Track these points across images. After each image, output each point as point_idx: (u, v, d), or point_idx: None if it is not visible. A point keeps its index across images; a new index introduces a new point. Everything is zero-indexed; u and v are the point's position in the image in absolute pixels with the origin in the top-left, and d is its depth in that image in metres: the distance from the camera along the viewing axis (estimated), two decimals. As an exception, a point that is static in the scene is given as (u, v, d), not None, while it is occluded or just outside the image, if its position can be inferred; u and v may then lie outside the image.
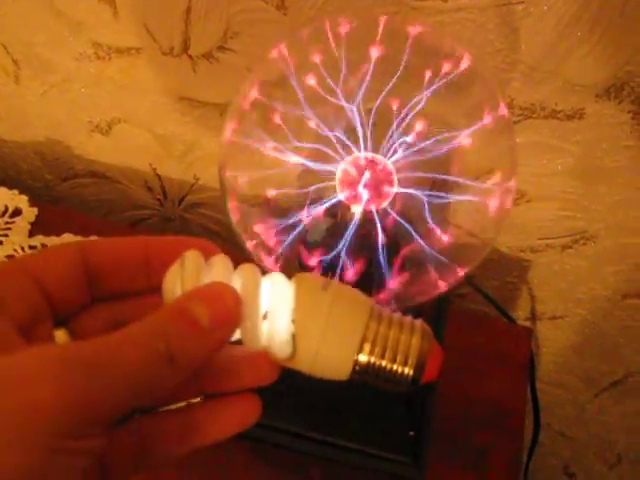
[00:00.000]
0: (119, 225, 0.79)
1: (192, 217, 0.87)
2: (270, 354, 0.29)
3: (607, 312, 0.82)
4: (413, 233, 0.51)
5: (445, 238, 0.52)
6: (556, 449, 1.02)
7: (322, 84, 0.51)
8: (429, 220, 0.51)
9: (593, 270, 0.78)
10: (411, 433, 0.59)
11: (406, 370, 0.28)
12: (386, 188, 0.49)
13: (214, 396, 0.29)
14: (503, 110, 0.50)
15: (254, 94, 0.52)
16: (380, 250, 0.49)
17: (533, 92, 0.66)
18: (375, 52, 0.52)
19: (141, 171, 0.83)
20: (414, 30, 0.50)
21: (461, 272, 0.53)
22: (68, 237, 0.73)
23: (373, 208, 0.50)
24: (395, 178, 0.51)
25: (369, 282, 0.50)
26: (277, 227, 0.48)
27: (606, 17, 0.60)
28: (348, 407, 0.61)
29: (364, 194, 0.49)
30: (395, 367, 0.28)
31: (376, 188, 0.50)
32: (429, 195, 0.50)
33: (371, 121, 0.50)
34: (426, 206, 0.51)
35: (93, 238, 0.32)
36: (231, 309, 0.27)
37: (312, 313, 0.28)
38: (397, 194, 0.51)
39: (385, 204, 0.50)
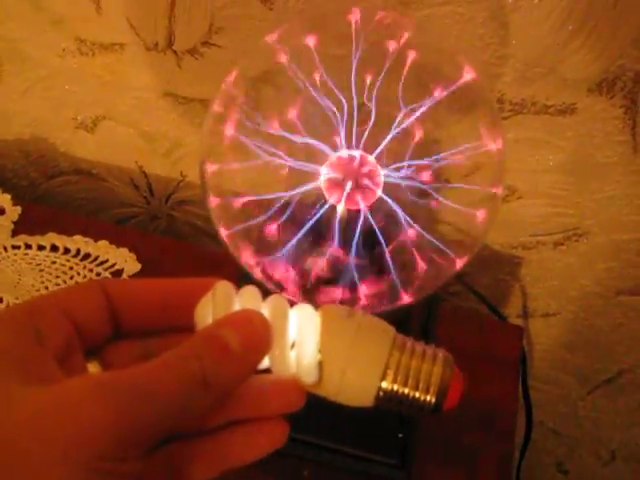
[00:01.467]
0: (104, 224, 0.78)
1: (179, 215, 0.86)
2: (298, 380, 0.30)
3: (600, 309, 0.81)
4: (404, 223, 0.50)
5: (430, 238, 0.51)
6: (549, 447, 1.01)
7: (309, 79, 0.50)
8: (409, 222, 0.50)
9: (585, 267, 0.77)
10: (400, 435, 0.58)
11: (428, 397, 0.29)
12: (372, 186, 0.48)
13: (244, 422, 0.30)
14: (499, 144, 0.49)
15: (237, 90, 0.51)
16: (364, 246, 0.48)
17: (524, 87, 0.65)
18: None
19: (127, 168, 0.82)
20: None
21: (459, 263, 0.52)
22: (52, 236, 0.71)
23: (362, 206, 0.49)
24: (381, 175, 0.50)
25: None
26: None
27: (598, 10, 0.58)
28: (336, 409, 0.60)
29: (350, 193, 0.48)
30: (418, 394, 0.29)
31: (362, 186, 0.49)
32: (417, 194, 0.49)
33: (356, 118, 0.49)
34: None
35: (110, 278, 0.35)
36: (261, 334, 0.28)
37: (337, 342, 0.29)
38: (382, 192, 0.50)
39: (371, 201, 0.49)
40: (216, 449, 0.30)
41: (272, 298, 0.30)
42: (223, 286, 0.30)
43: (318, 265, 0.49)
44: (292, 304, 0.31)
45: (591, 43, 0.60)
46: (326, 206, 0.48)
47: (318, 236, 0.49)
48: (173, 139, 0.78)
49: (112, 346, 0.31)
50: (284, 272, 0.48)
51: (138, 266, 0.70)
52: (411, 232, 0.50)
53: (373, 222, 0.47)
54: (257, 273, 0.48)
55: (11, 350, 0.26)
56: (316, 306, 0.31)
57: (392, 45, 0.49)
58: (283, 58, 0.50)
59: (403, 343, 0.30)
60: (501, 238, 0.77)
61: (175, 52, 0.70)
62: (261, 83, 0.54)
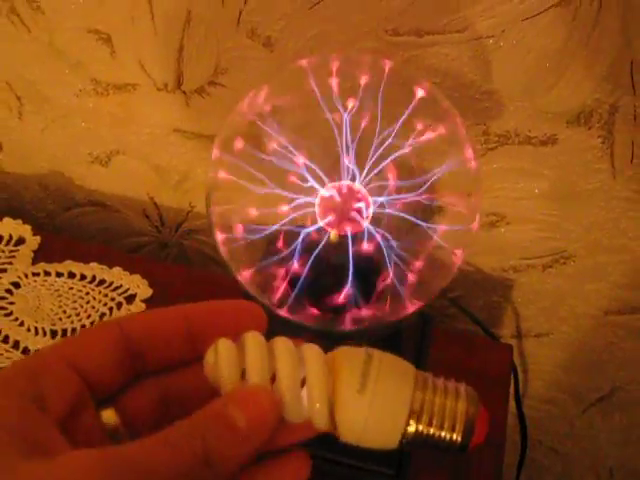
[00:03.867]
0: (118, 252, 0.82)
1: (189, 243, 0.90)
2: (312, 425, 0.29)
3: (590, 329, 0.85)
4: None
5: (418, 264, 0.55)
6: (548, 465, 1.04)
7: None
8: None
9: (574, 288, 0.81)
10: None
11: (454, 436, 0.29)
12: (360, 215, 0.53)
13: (267, 456, 0.29)
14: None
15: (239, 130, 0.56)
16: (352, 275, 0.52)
17: (507, 120, 0.69)
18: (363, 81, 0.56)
19: (139, 200, 0.87)
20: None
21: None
22: (69, 264, 0.76)
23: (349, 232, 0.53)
24: (371, 203, 0.54)
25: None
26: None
27: (572, 50, 0.63)
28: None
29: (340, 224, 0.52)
30: (444, 434, 0.29)
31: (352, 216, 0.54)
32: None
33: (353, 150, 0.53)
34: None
35: (129, 315, 0.30)
36: (268, 413, 0.27)
37: (356, 387, 0.29)
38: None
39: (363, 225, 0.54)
40: None
41: (308, 349, 0.29)
42: (254, 338, 0.29)
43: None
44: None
45: (567, 79, 0.65)
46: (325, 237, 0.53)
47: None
48: (182, 172, 0.83)
49: (132, 388, 0.30)
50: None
51: (150, 291, 0.75)
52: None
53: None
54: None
55: (11, 421, 0.25)
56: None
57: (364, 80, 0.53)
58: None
59: (425, 381, 0.29)
60: (492, 262, 0.81)
61: (184, 92, 0.75)
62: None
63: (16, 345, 0.69)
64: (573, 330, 0.86)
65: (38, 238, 0.79)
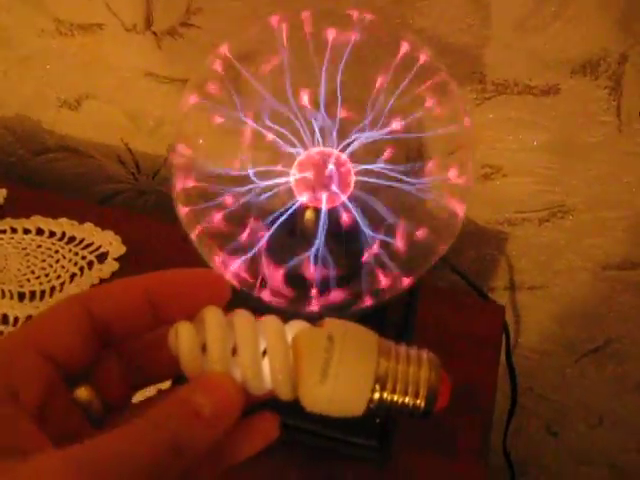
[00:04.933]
0: (90, 205, 0.78)
1: (167, 190, 0.85)
2: (276, 394, 0.30)
3: (587, 283, 0.81)
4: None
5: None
6: (538, 410, 1.03)
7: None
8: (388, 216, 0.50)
9: (571, 242, 0.77)
10: (377, 420, 0.59)
11: (418, 402, 0.29)
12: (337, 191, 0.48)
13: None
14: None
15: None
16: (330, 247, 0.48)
17: (506, 68, 0.63)
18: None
19: (113, 146, 0.82)
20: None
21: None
22: (37, 219, 0.72)
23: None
24: (352, 171, 0.49)
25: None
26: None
27: (580, -8, 0.57)
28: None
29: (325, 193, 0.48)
30: (407, 400, 0.29)
31: (335, 183, 0.49)
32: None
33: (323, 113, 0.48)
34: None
35: (91, 290, 0.31)
36: (233, 399, 0.28)
37: (317, 377, 0.29)
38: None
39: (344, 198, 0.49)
40: (216, 449, 0.29)
41: (237, 317, 0.30)
42: (213, 314, 0.29)
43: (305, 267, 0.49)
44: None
45: (573, 26, 0.59)
46: (296, 205, 0.48)
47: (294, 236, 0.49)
48: (157, 117, 0.77)
49: (102, 360, 0.30)
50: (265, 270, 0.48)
51: (123, 248, 0.71)
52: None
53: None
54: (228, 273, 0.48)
55: None
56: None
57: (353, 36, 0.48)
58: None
59: (388, 350, 0.30)
60: (486, 214, 0.77)
61: (155, 33, 0.69)
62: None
63: (-18, 309, 0.66)
64: (569, 284, 0.82)
65: (4, 191, 0.74)
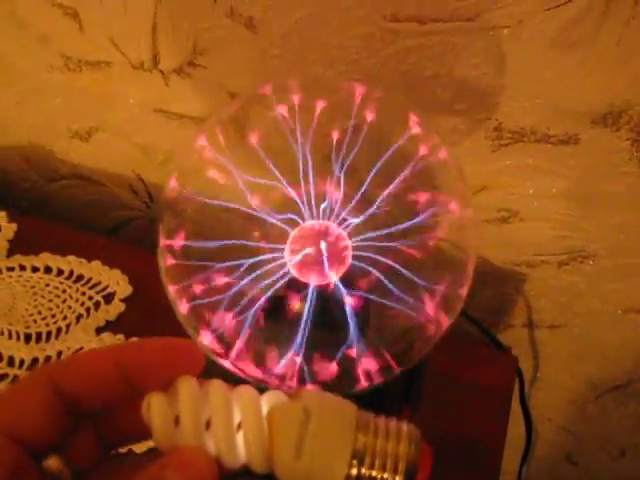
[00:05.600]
0: (99, 239, 0.77)
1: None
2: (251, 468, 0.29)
3: (607, 325, 0.78)
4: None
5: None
6: (558, 441, 1.01)
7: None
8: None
9: (592, 286, 0.74)
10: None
11: (397, 477, 0.28)
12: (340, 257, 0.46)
13: None
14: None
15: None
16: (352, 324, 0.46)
17: (522, 117, 0.61)
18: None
19: (125, 175, 0.81)
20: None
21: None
22: (46, 257, 0.72)
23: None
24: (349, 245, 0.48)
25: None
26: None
27: (601, 46, 0.54)
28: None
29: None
30: (386, 475, 0.28)
31: (332, 258, 0.47)
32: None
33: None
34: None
35: (64, 361, 0.30)
36: (205, 474, 0.27)
37: (292, 454, 0.28)
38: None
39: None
40: None
41: (243, 393, 0.29)
42: (187, 385, 0.28)
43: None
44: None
45: (594, 77, 0.56)
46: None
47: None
48: (167, 152, 0.76)
49: (76, 432, 0.29)
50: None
51: (130, 289, 0.70)
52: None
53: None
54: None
55: None
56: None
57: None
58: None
59: (366, 423, 0.29)
60: (503, 256, 0.74)
61: (162, 72, 0.67)
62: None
63: (-12, 350, 0.66)
64: (589, 325, 0.80)
65: (14, 226, 0.74)
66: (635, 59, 0.54)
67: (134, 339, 0.66)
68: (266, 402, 0.29)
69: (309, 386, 0.46)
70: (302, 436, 0.28)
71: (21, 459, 0.27)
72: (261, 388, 0.29)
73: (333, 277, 0.47)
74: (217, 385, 0.29)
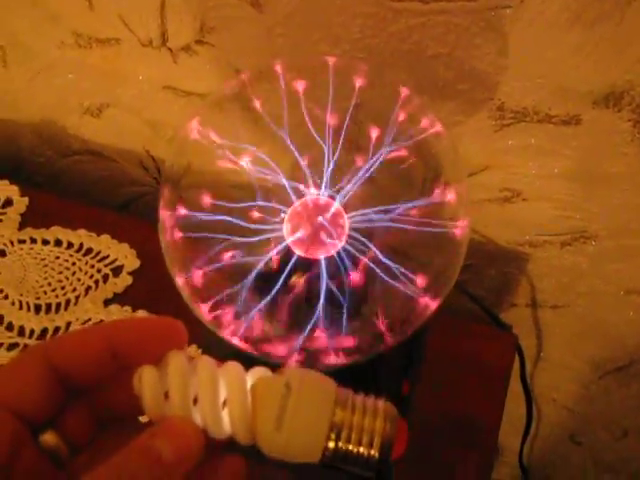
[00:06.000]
0: (109, 214, 0.78)
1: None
2: (236, 440, 0.30)
3: (609, 305, 0.79)
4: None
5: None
6: (562, 421, 1.02)
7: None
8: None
9: (594, 267, 0.75)
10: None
11: (372, 452, 0.30)
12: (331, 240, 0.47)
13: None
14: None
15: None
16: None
17: (524, 96, 0.61)
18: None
19: (135, 152, 0.82)
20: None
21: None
22: (56, 230, 0.73)
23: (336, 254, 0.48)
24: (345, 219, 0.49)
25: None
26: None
27: (602, 26, 0.54)
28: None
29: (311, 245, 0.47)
30: (362, 450, 0.30)
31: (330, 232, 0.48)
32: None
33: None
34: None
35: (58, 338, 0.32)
36: (193, 443, 0.29)
37: (273, 424, 0.30)
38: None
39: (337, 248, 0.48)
40: None
41: (200, 363, 0.30)
42: (176, 361, 0.30)
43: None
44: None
45: (595, 57, 0.56)
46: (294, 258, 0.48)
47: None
48: (176, 128, 0.77)
49: (70, 408, 0.31)
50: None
51: (137, 263, 0.72)
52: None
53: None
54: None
55: None
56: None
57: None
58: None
59: (345, 399, 0.30)
60: (507, 235, 0.75)
61: (170, 49, 0.68)
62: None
63: (0, 320, 0.68)
64: (591, 305, 0.80)
65: (26, 200, 0.76)
66: (637, 40, 0.54)
67: (142, 314, 0.68)
68: (251, 377, 0.31)
69: (292, 363, 0.48)
70: (283, 408, 0.30)
71: (20, 432, 0.28)
72: (251, 360, 0.31)
73: (330, 251, 0.48)
74: (205, 361, 0.30)
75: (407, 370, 0.65)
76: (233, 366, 0.31)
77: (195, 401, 0.30)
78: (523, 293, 0.82)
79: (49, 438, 0.30)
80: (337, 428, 0.30)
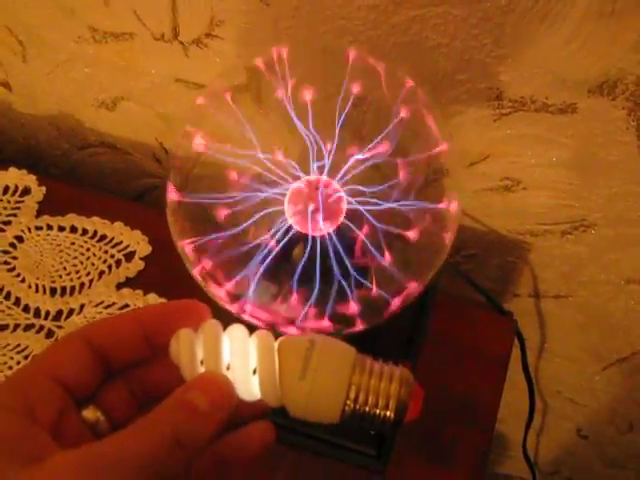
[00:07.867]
0: (123, 203, 0.81)
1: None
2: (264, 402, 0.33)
3: (610, 295, 0.80)
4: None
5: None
6: (568, 415, 1.03)
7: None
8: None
9: (594, 256, 0.76)
10: (372, 432, 0.61)
11: (387, 413, 0.32)
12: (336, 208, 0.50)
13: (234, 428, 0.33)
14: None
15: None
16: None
17: (522, 86, 0.63)
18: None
19: (148, 144, 0.85)
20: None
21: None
22: (72, 217, 0.76)
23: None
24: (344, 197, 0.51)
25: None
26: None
27: (595, 15, 0.56)
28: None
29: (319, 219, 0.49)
30: (378, 411, 0.32)
31: (328, 211, 0.51)
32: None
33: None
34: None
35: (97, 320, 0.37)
36: (226, 393, 0.31)
37: (297, 374, 0.32)
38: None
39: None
40: (211, 458, 0.33)
41: (260, 337, 0.33)
42: (211, 327, 0.33)
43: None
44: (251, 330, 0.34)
45: (589, 47, 0.58)
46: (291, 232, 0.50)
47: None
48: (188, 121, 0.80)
49: (107, 386, 0.34)
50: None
51: (149, 248, 0.75)
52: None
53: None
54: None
55: (4, 434, 0.28)
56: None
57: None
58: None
59: (364, 364, 0.33)
60: (508, 224, 0.77)
61: (181, 43, 0.71)
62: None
63: (17, 302, 0.71)
64: (593, 295, 0.82)
65: (43, 189, 0.79)
66: (629, 28, 0.56)
67: (153, 297, 0.71)
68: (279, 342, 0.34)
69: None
70: (307, 359, 0.33)
71: (66, 401, 0.31)
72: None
73: (329, 228, 0.50)
74: (237, 329, 0.33)
75: (408, 352, 0.67)
76: (263, 333, 0.34)
77: (228, 368, 0.32)
78: (525, 283, 0.84)
79: (90, 412, 0.32)
80: (356, 389, 0.32)
